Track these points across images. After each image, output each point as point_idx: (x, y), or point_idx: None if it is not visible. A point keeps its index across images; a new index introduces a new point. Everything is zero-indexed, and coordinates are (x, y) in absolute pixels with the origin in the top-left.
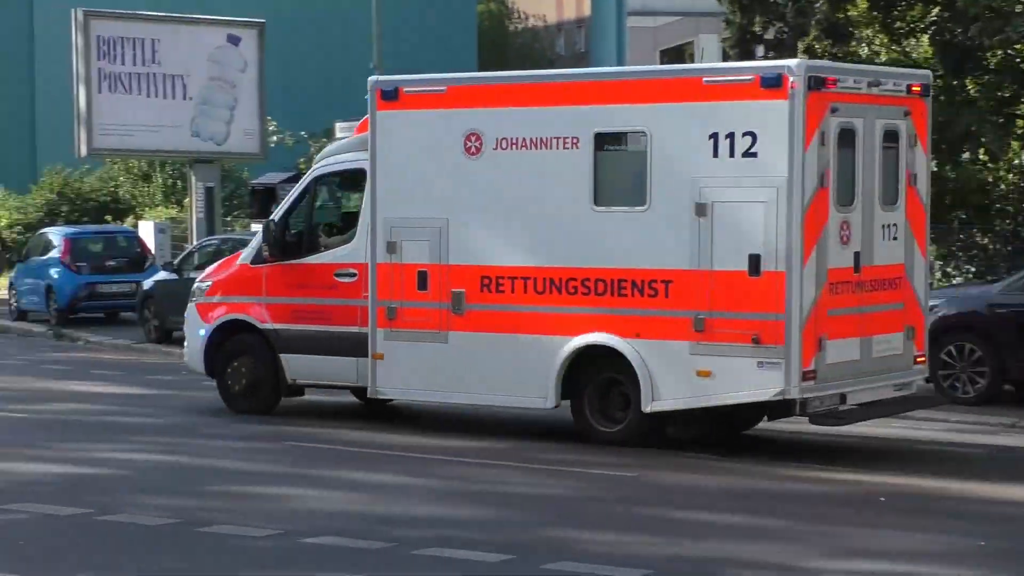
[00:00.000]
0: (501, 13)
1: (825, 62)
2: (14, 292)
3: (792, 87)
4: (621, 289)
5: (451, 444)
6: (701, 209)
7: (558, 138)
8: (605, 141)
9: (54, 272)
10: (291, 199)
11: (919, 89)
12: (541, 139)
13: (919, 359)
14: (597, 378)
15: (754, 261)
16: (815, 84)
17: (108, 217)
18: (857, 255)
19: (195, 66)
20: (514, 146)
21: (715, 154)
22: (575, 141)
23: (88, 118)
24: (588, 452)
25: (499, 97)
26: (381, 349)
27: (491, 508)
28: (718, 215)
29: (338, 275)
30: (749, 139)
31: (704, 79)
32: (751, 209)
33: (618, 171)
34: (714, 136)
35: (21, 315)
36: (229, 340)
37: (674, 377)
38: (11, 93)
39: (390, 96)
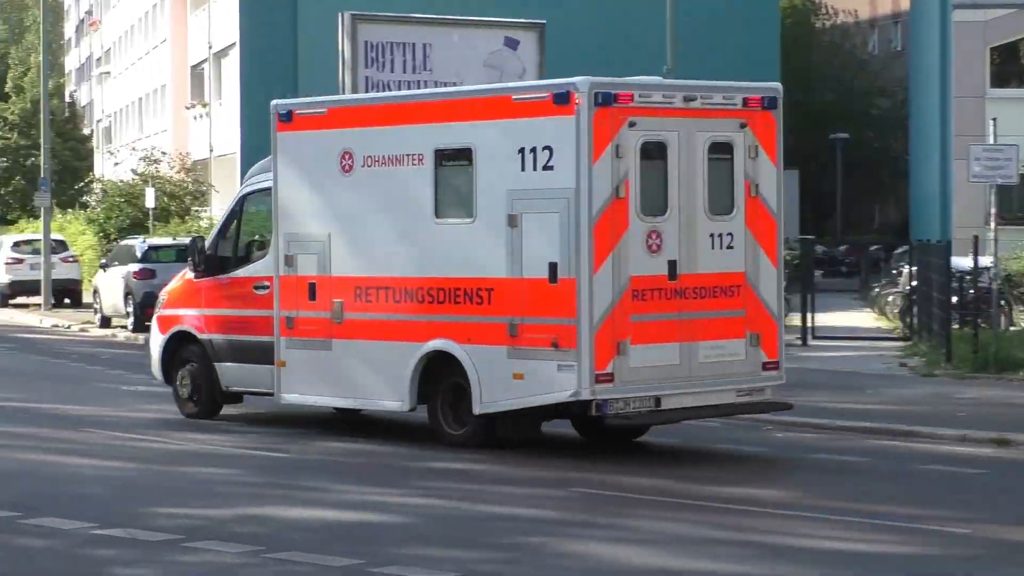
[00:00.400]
0: (807, 8)
1: (622, 78)
2: None
3: (577, 103)
4: (456, 297)
5: (747, 493)
6: (512, 220)
7: (408, 155)
8: (443, 157)
9: None
10: (224, 216)
11: (759, 101)
12: (396, 156)
13: (769, 365)
14: (446, 382)
15: (553, 269)
16: (603, 100)
17: None
18: (673, 263)
19: (469, 72)
20: (377, 163)
21: (523, 168)
22: (420, 158)
23: None
24: (910, 504)
25: (366, 117)
26: (284, 357)
27: (812, 568)
28: (526, 226)
29: (256, 288)
30: (547, 153)
31: (513, 97)
32: (550, 219)
33: (453, 186)
34: (522, 151)
35: None
36: (179, 350)
37: (497, 380)
38: None
39: (286, 118)
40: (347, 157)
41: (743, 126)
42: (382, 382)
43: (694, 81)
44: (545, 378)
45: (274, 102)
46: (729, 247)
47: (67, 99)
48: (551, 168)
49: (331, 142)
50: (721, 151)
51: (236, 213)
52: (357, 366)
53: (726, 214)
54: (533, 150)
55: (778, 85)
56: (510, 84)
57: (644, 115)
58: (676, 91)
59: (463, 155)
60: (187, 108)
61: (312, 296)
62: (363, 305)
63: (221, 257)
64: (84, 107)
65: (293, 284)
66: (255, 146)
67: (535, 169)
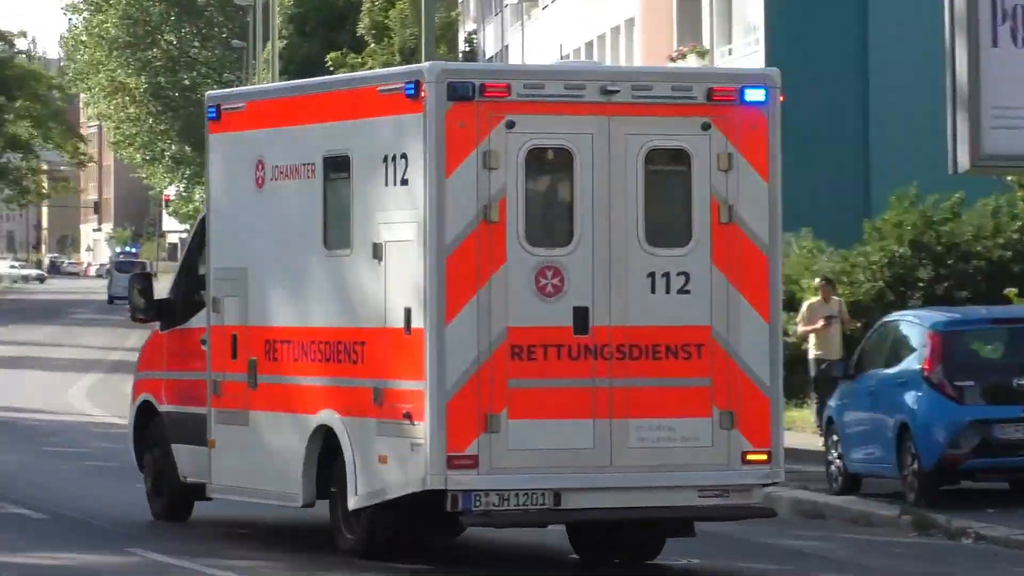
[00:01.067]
0: None
1: (501, 64)
2: (834, 439)
3: (424, 97)
4: (337, 354)
5: None
6: (377, 251)
7: (305, 164)
8: (329, 168)
9: (913, 398)
10: (187, 246)
11: (733, 94)
12: (295, 166)
13: (755, 456)
14: (342, 466)
15: (408, 315)
16: (461, 93)
17: (1013, 291)
18: (582, 311)
19: None
20: (282, 175)
21: (386, 182)
22: (312, 169)
23: (974, 98)
24: None
25: (277, 114)
26: (214, 434)
27: None
28: (389, 258)
29: (203, 342)
30: (404, 163)
31: (378, 88)
32: (406, 250)
33: (337, 206)
34: (385, 159)
35: (851, 482)
36: (148, 425)
37: (368, 464)
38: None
39: (214, 116)
40: (260, 167)
41: (707, 127)
42: (281, 467)
43: (626, 67)
44: (402, 461)
45: (208, 94)
46: (683, 291)
47: (461, 47)
48: (407, 183)
49: (247, 148)
50: (670, 161)
51: (196, 241)
52: (264, 446)
53: (678, 246)
54: (394, 159)
55: (772, 71)
56: (378, 72)
57: (532, 112)
58: (589, 80)
59: (343, 165)
60: (672, 58)
61: (234, 353)
62: (272, 364)
63: (183, 301)
64: (490, 59)
65: (220, 336)
66: (791, 112)
67: (395, 183)
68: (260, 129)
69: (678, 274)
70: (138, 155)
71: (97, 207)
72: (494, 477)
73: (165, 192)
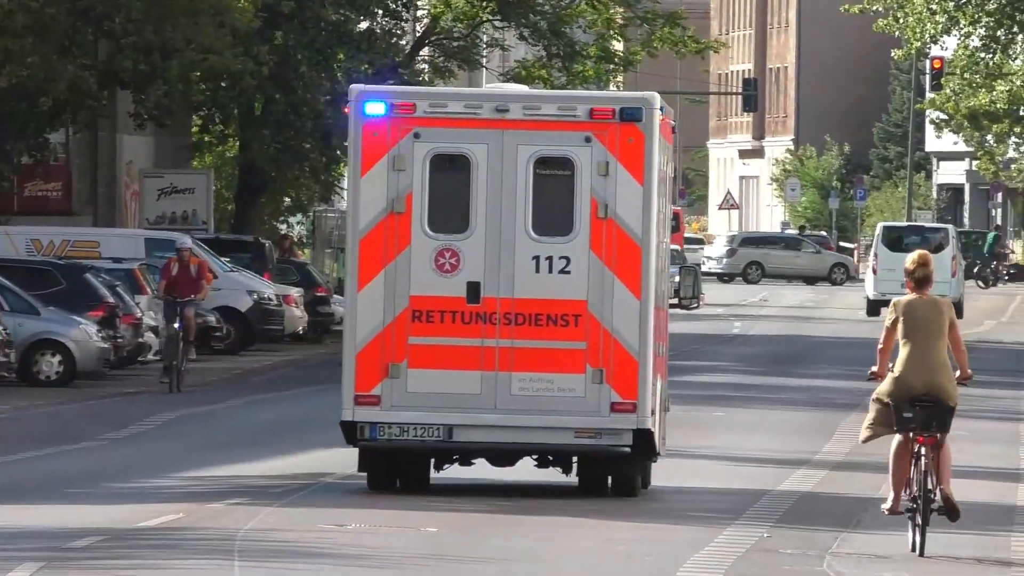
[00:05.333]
0: None
1: (413, 87)
2: None
3: (346, 112)
4: None
5: None
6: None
7: None
8: None
9: None
10: None
11: (610, 113)
12: None
13: (622, 406)
14: None
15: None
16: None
17: None
18: (475, 285)
19: None
20: None
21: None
22: None
23: None
24: None
25: None
26: None
27: None
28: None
29: None
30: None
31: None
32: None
33: None
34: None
35: None
36: None
37: None
38: None
39: None
40: None
41: (588, 140)
42: None
43: (522, 89)
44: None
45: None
46: (564, 272)
47: None
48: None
49: None
50: (555, 167)
51: None
52: None
53: (560, 235)
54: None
55: (649, 95)
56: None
57: (435, 126)
58: (485, 101)
59: None
60: None
61: None
62: None
63: None
64: None
65: None
66: None
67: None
68: None
69: (560, 258)
70: None
71: None
72: (394, 413)
73: (933, 56)
